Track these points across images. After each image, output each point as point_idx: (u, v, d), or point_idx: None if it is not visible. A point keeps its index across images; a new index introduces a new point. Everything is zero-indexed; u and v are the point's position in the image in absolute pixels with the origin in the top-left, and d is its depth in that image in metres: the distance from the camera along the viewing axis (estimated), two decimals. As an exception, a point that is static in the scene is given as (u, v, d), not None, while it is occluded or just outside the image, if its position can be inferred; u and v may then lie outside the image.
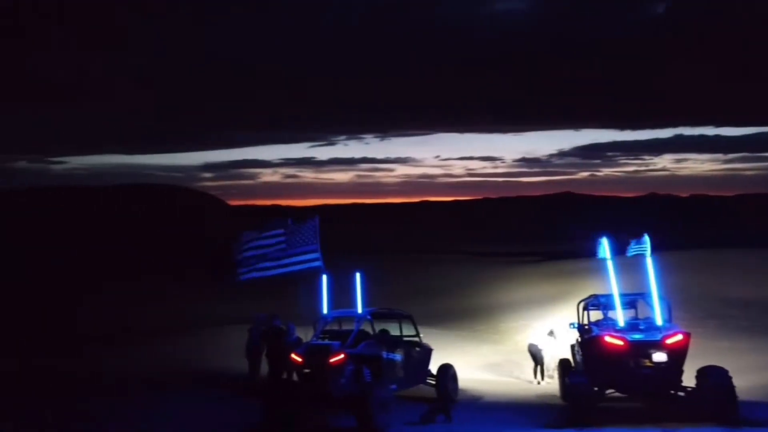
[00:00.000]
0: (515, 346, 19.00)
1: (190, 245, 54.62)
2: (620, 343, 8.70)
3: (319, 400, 9.83)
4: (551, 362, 13.70)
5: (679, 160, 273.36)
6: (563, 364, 11.51)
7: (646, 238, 9.31)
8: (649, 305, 9.78)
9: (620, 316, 9.29)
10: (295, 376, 10.74)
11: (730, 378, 8.58)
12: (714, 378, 8.52)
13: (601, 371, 9.11)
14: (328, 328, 11.04)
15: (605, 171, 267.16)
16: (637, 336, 8.81)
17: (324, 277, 11.01)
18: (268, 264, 9.47)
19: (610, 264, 9.51)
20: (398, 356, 10.80)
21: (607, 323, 9.49)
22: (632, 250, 9.16)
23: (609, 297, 9.92)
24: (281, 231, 9.70)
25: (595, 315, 11.29)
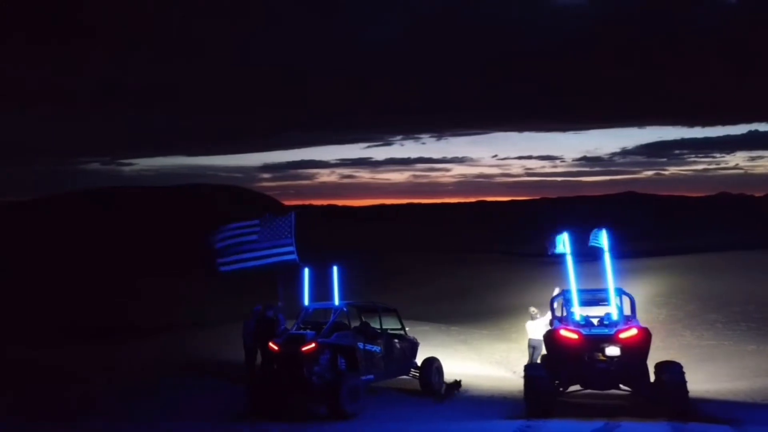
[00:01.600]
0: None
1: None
2: (575, 336, 8.78)
3: (295, 387, 10.33)
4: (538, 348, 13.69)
5: (753, 158, 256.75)
6: (546, 359, 11.53)
7: (603, 233, 9.25)
8: (619, 300, 9.72)
9: (577, 310, 9.32)
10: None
11: (683, 373, 8.49)
12: (668, 373, 8.47)
13: (560, 365, 9.19)
14: (315, 320, 11.53)
15: (672, 170, 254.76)
16: (592, 330, 8.85)
17: (306, 271, 11.55)
18: (244, 256, 9.98)
19: (569, 259, 9.52)
20: (377, 348, 11.17)
21: (568, 318, 9.51)
22: (592, 242, 9.16)
23: (579, 292, 9.94)
24: (257, 223, 10.20)
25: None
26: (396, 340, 11.89)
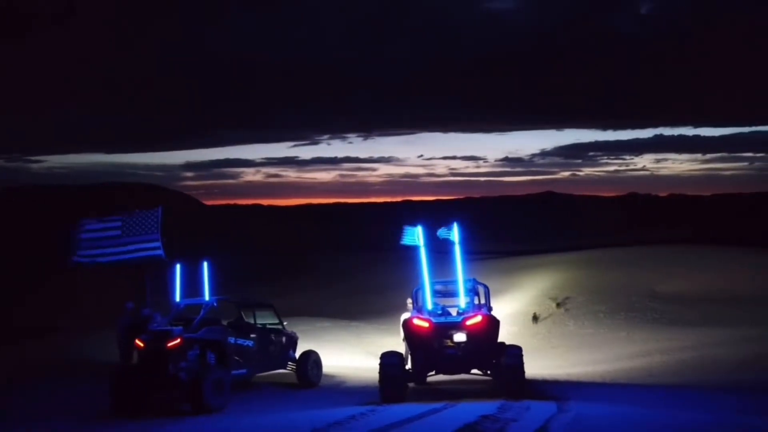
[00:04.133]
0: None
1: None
2: (425, 324, 9.25)
3: (160, 383, 10.29)
4: None
5: (658, 160, 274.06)
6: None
7: (454, 226, 9.83)
8: (472, 290, 10.35)
9: (429, 300, 9.80)
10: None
11: (521, 356, 9.12)
12: (506, 357, 9.07)
13: (414, 351, 9.64)
14: (187, 316, 11.50)
15: (586, 171, 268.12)
16: (442, 318, 9.36)
17: (177, 267, 11.52)
18: (102, 251, 9.82)
19: (422, 252, 10.00)
20: (249, 342, 11.30)
21: (422, 307, 9.99)
22: (442, 234, 9.71)
23: (441, 283, 10.52)
24: (118, 218, 10.05)
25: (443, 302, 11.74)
26: (272, 335, 12.06)
